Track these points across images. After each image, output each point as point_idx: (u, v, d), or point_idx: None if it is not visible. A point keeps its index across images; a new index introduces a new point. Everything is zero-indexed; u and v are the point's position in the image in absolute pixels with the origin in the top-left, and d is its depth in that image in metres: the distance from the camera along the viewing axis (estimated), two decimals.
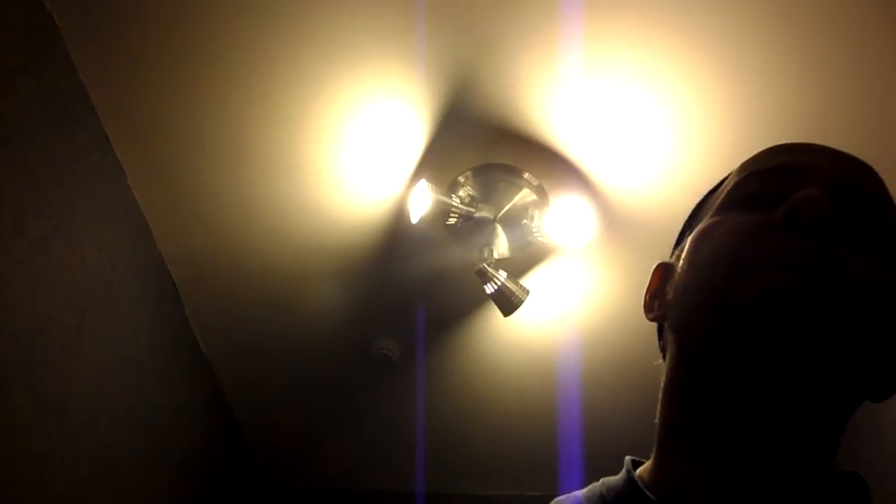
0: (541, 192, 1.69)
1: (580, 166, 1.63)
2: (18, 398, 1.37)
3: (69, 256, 1.52)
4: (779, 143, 0.62)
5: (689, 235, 0.60)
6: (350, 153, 1.64)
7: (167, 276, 1.92)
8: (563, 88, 1.50)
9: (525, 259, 1.83)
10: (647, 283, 0.65)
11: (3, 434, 1.33)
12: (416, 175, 1.67)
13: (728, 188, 0.59)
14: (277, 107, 1.57)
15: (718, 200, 0.59)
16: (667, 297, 0.60)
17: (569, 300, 1.93)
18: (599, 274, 1.86)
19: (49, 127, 1.45)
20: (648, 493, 0.55)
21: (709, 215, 0.59)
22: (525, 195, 1.70)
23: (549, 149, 1.61)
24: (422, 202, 1.59)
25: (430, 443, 2.35)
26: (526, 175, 1.67)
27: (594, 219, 1.69)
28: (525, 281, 1.79)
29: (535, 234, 1.69)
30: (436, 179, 1.66)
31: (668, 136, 1.55)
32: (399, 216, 1.75)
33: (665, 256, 0.66)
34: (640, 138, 1.56)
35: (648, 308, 0.64)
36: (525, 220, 1.69)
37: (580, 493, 0.61)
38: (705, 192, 0.67)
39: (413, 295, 1.96)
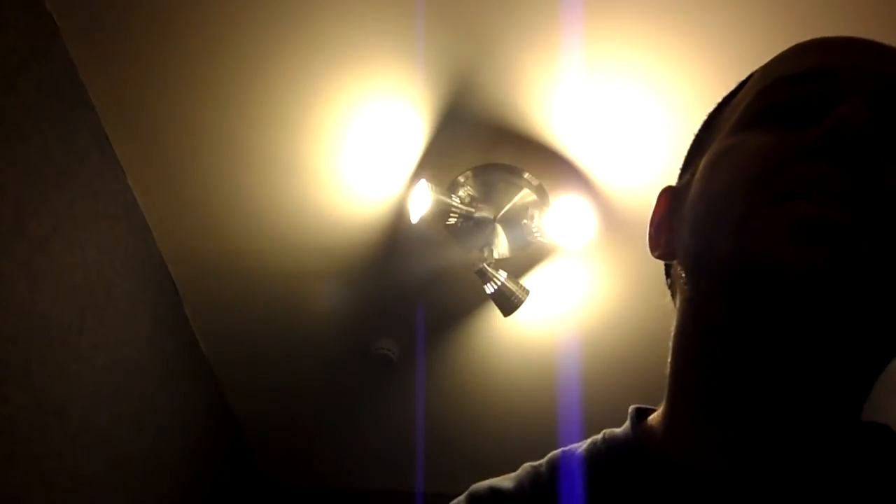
0: (541, 192, 1.69)
1: (580, 166, 1.63)
2: (18, 398, 1.37)
3: (69, 256, 1.52)
4: None
5: (700, 157, 0.52)
6: (350, 153, 1.64)
7: (167, 276, 1.92)
8: (563, 88, 1.50)
9: (525, 259, 1.83)
10: (651, 211, 0.57)
11: (3, 434, 1.33)
12: (416, 175, 1.67)
13: (749, 97, 0.49)
14: (277, 107, 1.57)
15: (736, 113, 0.49)
16: (675, 230, 0.52)
17: (569, 300, 1.93)
18: (599, 274, 1.86)
19: (49, 127, 1.45)
20: (652, 453, 0.50)
21: (725, 132, 0.49)
22: (525, 195, 1.70)
23: (549, 149, 1.61)
24: (422, 202, 1.59)
25: (430, 443, 2.35)
26: (526, 175, 1.67)
27: (594, 219, 1.69)
28: (525, 281, 1.79)
29: (535, 234, 1.69)
30: (436, 179, 1.66)
31: (668, 136, 1.55)
32: (399, 216, 1.75)
33: None
34: (640, 138, 1.56)
35: (654, 243, 0.56)
36: (525, 220, 1.69)
37: (580, 448, 0.56)
38: None
39: (413, 295, 1.96)
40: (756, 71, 0.53)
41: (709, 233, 0.45)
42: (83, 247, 1.56)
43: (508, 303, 1.72)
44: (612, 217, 1.71)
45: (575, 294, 1.91)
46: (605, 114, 1.53)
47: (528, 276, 1.86)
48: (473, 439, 2.36)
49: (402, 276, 1.90)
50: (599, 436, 0.56)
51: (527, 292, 1.73)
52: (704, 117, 0.58)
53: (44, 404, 1.44)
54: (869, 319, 0.39)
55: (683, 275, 0.49)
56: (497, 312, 1.78)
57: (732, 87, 0.57)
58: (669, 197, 0.56)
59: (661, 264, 0.59)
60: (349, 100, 1.55)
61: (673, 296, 0.54)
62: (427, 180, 1.61)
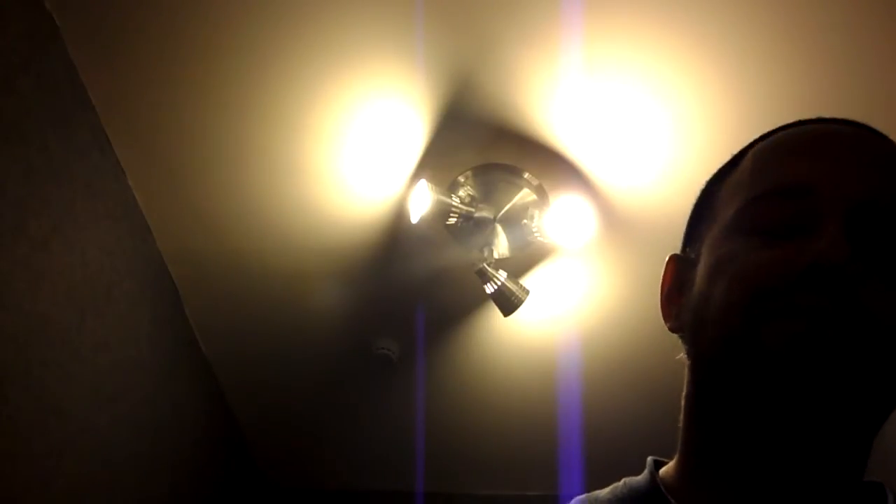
0: (541, 192, 1.69)
1: (580, 166, 1.63)
2: (18, 398, 1.37)
3: (69, 256, 1.52)
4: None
5: (704, 230, 0.59)
6: (350, 153, 1.64)
7: (167, 276, 1.92)
8: (563, 88, 1.50)
9: (525, 259, 1.83)
10: (661, 277, 0.64)
11: (3, 434, 1.33)
12: (416, 175, 1.67)
13: (743, 197, 0.56)
14: (277, 107, 1.57)
15: (733, 206, 0.57)
16: (681, 307, 0.59)
17: (569, 300, 1.93)
18: (599, 274, 1.86)
19: (49, 127, 1.45)
20: (671, 499, 0.55)
21: (723, 225, 0.57)
22: (525, 195, 1.70)
23: (549, 149, 1.61)
24: (422, 202, 1.59)
25: (430, 443, 2.35)
26: (526, 175, 1.67)
27: (594, 219, 1.69)
28: (525, 281, 1.79)
29: (535, 234, 1.69)
30: (436, 179, 1.66)
31: (668, 136, 1.55)
32: (399, 216, 1.75)
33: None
34: (640, 138, 1.56)
35: (666, 315, 0.63)
36: (525, 220, 1.69)
37: (602, 493, 0.61)
38: None
39: (413, 295, 1.96)
40: (752, 150, 0.60)
41: (713, 341, 0.53)
42: (83, 247, 1.56)
43: (508, 303, 1.72)
44: (612, 217, 1.71)
45: (575, 294, 1.91)
46: (605, 114, 1.53)
47: (528, 276, 1.86)
48: (473, 439, 2.35)
49: (402, 276, 1.90)
50: (620, 483, 0.61)
51: (527, 292, 1.73)
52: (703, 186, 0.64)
53: (44, 404, 1.44)
54: (854, 405, 0.48)
55: (691, 358, 0.57)
56: (497, 312, 1.78)
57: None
58: (676, 266, 0.63)
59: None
60: (349, 100, 1.55)
61: (686, 350, 0.61)
62: (427, 180, 1.61)
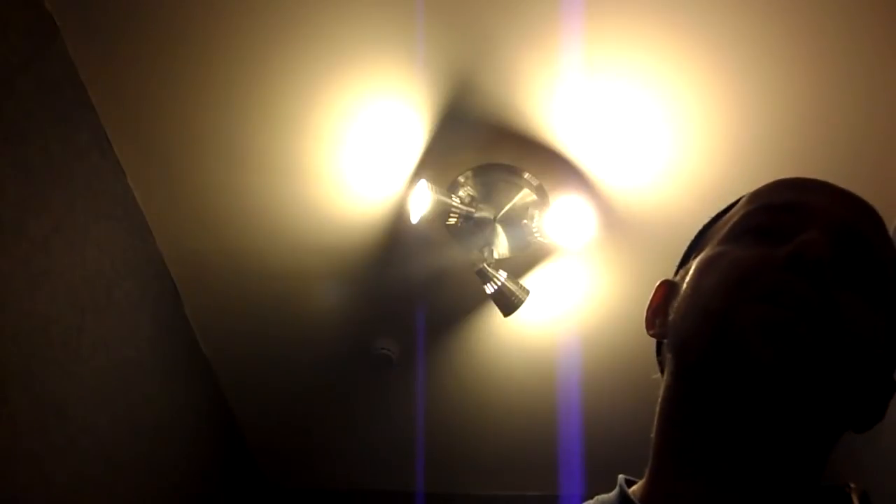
0: (541, 192, 1.70)
1: (580, 166, 1.63)
2: (18, 398, 1.37)
3: (69, 256, 1.52)
4: (779, 169, 0.63)
5: (694, 257, 0.62)
6: (350, 153, 1.65)
7: (167, 276, 1.92)
8: (563, 88, 1.50)
9: (525, 259, 1.83)
10: (650, 297, 0.66)
11: (3, 434, 1.33)
12: (416, 175, 1.67)
13: (736, 218, 0.61)
14: (277, 107, 1.57)
15: (725, 228, 0.61)
16: (668, 316, 0.61)
17: (569, 300, 1.93)
18: (599, 274, 1.86)
19: (49, 127, 1.45)
20: None
21: (715, 241, 0.61)
22: (525, 195, 1.70)
23: (549, 149, 1.61)
24: (422, 202, 1.59)
25: (430, 443, 2.35)
26: (526, 175, 1.68)
27: (594, 219, 1.69)
28: (525, 281, 1.79)
29: (535, 234, 1.69)
30: (436, 179, 1.66)
31: (668, 136, 1.55)
32: (399, 216, 1.75)
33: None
34: (640, 138, 1.56)
35: (650, 324, 0.65)
36: (525, 220, 1.69)
37: None
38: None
39: (413, 295, 1.96)
40: (744, 196, 0.64)
41: (695, 320, 0.55)
42: (83, 247, 1.56)
43: (508, 303, 1.72)
44: (612, 217, 1.71)
45: (575, 294, 1.91)
46: (605, 114, 1.53)
47: (528, 276, 1.86)
48: (473, 439, 2.35)
49: (402, 276, 1.90)
50: (592, 500, 0.62)
51: (527, 292, 1.73)
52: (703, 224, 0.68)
53: (44, 404, 1.44)
54: (809, 402, 0.49)
55: (671, 352, 0.59)
56: (497, 312, 1.78)
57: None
58: (666, 288, 0.65)
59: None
60: (349, 100, 1.55)
61: (661, 371, 0.63)
62: (427, 180, 1.61)
